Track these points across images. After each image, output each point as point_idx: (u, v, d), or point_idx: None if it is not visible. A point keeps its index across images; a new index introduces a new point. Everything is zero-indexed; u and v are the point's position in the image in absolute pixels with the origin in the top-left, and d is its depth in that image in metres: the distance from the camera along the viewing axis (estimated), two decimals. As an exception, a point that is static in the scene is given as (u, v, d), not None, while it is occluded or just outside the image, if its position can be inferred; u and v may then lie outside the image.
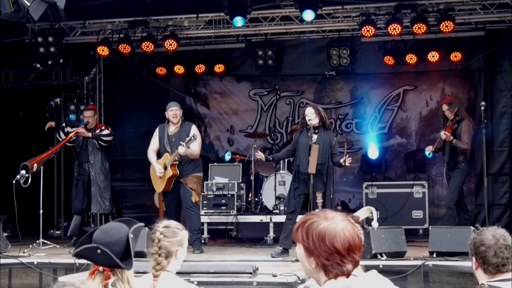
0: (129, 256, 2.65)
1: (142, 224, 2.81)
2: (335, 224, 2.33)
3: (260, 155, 8.67)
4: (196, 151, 8.70)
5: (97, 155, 9.98)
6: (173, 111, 8.83)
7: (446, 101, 9.82)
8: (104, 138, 9.94)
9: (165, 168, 8.72)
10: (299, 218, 8.17)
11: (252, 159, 11.14)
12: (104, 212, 10.09)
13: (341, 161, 8.13)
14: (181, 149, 8.44)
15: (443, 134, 9.12)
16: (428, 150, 9.68)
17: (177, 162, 8.69)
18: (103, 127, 10.13)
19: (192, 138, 8.44)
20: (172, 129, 8.89)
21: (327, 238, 2.30)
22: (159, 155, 8.99)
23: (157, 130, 9.03)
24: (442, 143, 9.46)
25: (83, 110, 11.01)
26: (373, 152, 11.90)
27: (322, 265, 2.32)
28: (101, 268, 2.65)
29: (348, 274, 2.32)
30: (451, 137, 9.09)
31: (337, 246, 2.30)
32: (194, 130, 8.78)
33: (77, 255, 2.68)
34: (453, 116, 9.29)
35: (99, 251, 2.60)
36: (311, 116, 8.14)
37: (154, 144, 8.98)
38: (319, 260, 2.32)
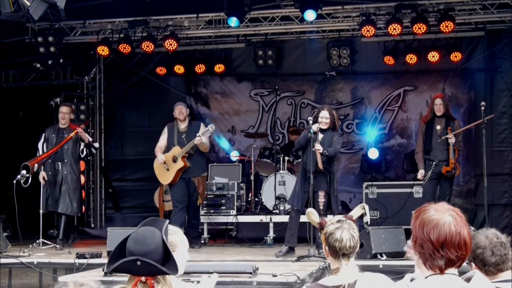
0: (169, 259, 2.54)
1: (167, 221, 2.68)
2: (439, 216, 2.37)
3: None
4: (208, 144, 9.37)
5: (72, 155, 9.58)
6: (179, 109, 9.35)
7: (441, 95, 9.60)
8: (92, 150, 9.84)
9: (175, 160, 9.12)
10: (301, 218, 8.26)
11: (252, 159, 11.14)
12: (71, 214, 9.56)
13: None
14: (198, 139, 8.92)
15: (451, 135, 8.81)
16: (420, 176, 9.27)
17: (187, 155, 9.13)
18: (77, 128, 9.52)
19: (210, 128, 8.99)
20: (182, 126, 9.35)
21: (425, 227, 2.36)
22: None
23: (165, 128, 9.46)
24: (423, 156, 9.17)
25: (59, 106, 10.16)
26: (373, 153, 11.96)
27: (419, 252, 2.39)
28: (143, 278, 2.53)
29: (440, 270, 2.35)
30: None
31: (431, 236, 2.34)
32: (203, 127, 9.24)
33: (115, 271, 2.53)
34: (444, 112, 9.07)
35: (139, 262, 2.48)
36: (324, 120, 8.12)
37: (162, 140, 9.39)
38: (416, 247, 2.40)
